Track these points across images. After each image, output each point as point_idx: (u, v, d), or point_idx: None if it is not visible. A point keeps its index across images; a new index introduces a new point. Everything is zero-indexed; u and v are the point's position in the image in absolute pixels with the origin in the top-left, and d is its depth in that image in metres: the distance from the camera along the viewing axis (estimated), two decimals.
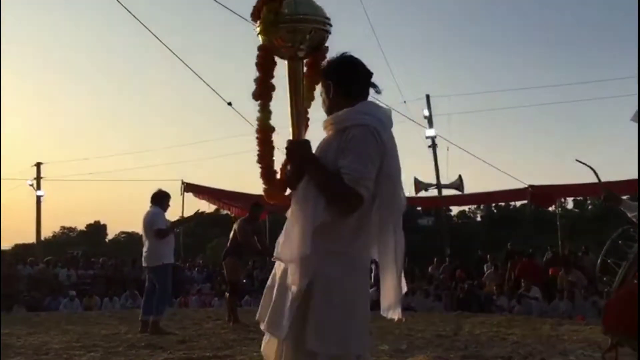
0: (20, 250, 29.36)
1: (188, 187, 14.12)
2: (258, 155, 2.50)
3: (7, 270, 13.58)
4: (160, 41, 8.47)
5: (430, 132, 19.97)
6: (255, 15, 2.40)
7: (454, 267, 14.61)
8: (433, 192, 19.68)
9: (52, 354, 5.35)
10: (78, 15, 53.05)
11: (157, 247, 7.08)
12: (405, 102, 19.54)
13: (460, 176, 18.95)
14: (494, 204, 38.09)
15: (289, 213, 2.25)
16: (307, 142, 2.34)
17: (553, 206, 16.45)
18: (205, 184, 17.00)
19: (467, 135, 43.06)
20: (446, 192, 19.50)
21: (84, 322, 8.37)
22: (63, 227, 46.74)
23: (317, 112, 2.49)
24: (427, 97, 20.25)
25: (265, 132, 2.50)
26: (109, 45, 54.25)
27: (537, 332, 7.19)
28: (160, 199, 7.34)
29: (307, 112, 2.59)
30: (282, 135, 2.50)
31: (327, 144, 2.29)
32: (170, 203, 7.59)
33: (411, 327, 7.65)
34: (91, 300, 13.22)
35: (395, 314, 2.33)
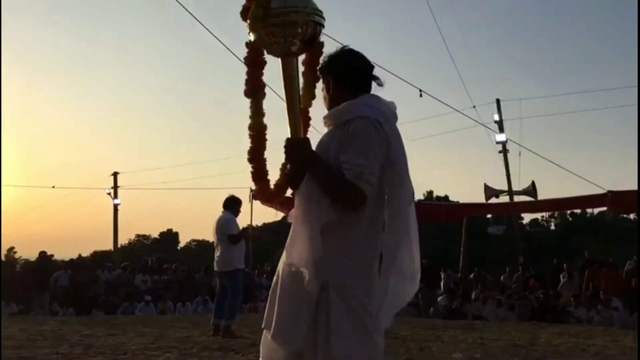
0: (99, 257, 30.75)
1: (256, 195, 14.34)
2: (250, 154, 2.43)
3: (87, 276, 14.27)
4: (229, 49, 8.67)
5: (501, 137, 19.48)
6: (245, 14, 2.33)
7: (528, 277, 14.12)
8: (504, 199, 19.15)
9: (130, 354, 5.54)
10: (151, 30, 55.33)
11: (230, 252, 7.20)
12: (474, 106, 19.15)
13: (533, 182, 18.38)
14: (569, 212, 36.60)
15: (293, 215, 2.14)
16: (306, 140, 2.25)
17: (634, 213, 15.62)
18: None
19: (540, 140, 41.55)
20: (518, 199, 18.94)
21: (159, 325, 8.62)
22: (138, 235, 48.58)
23: (319, 111, 2.41)
24: (498, 101, 19.81)
25: (257, 130, 2.44)
26: (180, 59, 56.24)
27: (619, 343, 6.82)
28: (233, 205, 7.47)
29: (307, 111, 2.53)
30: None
31: (328, 139, 2.19)
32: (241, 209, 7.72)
33: (484, 336, 7.43)
34: (165, 305, 13.63)
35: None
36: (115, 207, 27.25)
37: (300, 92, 2.46)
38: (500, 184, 19.73)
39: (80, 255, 29.74)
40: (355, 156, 2.04)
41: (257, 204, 15.45)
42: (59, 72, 55.80)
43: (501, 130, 19.65)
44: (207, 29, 8.46)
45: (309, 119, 2.54)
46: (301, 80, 2.49)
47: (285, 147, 2.22)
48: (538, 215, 38.06)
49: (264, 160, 2.47)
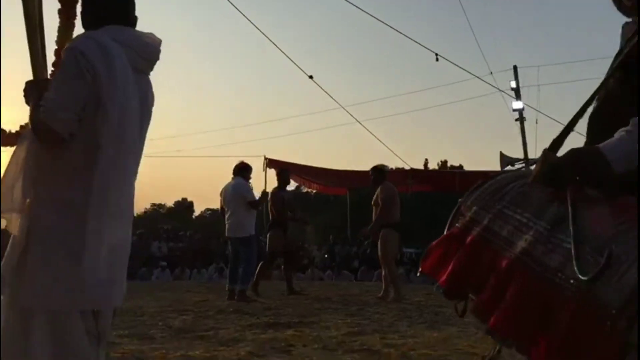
0: None
1: (271, 163, 14.29)
2: None
3: None
4: (243, 14, 8.57)
5: (518, 105, 19.15)
6: None
7: None
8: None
9: (147, 316, 5.62)
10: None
11: (245, 218, 7.24)
12: (491, 73, 18.84)
13: None
14: None
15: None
16: (40, 82, 2.12)
17: None
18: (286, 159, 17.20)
19: (558, 107, 40.87)
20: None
21: (175, 290, 8.74)
22: (153, 204, 49.03)
23: None
24: (515, 68, 19.44)
25: None
26: (193, 22, 55.86)
27: None
28: (244, 171, 7.48)
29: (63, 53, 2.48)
30: None
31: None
32: (253, 177, 7.72)
33: None
34: (183, 273, 13.81)
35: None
36: None
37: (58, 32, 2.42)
38: (517, 153, 19.53)
39: None
40: (52, 92, 1.96)
41: (270, 171, 15.53)
42: None
43: (518, 97, 19.33)
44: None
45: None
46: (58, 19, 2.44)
47: (23, 89, 2.13)
48: None
49: None
